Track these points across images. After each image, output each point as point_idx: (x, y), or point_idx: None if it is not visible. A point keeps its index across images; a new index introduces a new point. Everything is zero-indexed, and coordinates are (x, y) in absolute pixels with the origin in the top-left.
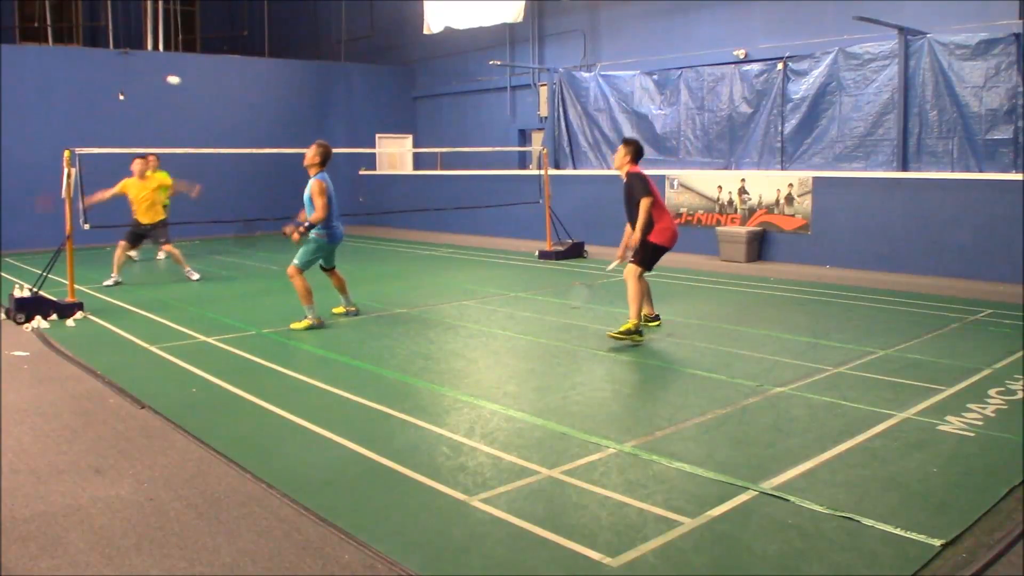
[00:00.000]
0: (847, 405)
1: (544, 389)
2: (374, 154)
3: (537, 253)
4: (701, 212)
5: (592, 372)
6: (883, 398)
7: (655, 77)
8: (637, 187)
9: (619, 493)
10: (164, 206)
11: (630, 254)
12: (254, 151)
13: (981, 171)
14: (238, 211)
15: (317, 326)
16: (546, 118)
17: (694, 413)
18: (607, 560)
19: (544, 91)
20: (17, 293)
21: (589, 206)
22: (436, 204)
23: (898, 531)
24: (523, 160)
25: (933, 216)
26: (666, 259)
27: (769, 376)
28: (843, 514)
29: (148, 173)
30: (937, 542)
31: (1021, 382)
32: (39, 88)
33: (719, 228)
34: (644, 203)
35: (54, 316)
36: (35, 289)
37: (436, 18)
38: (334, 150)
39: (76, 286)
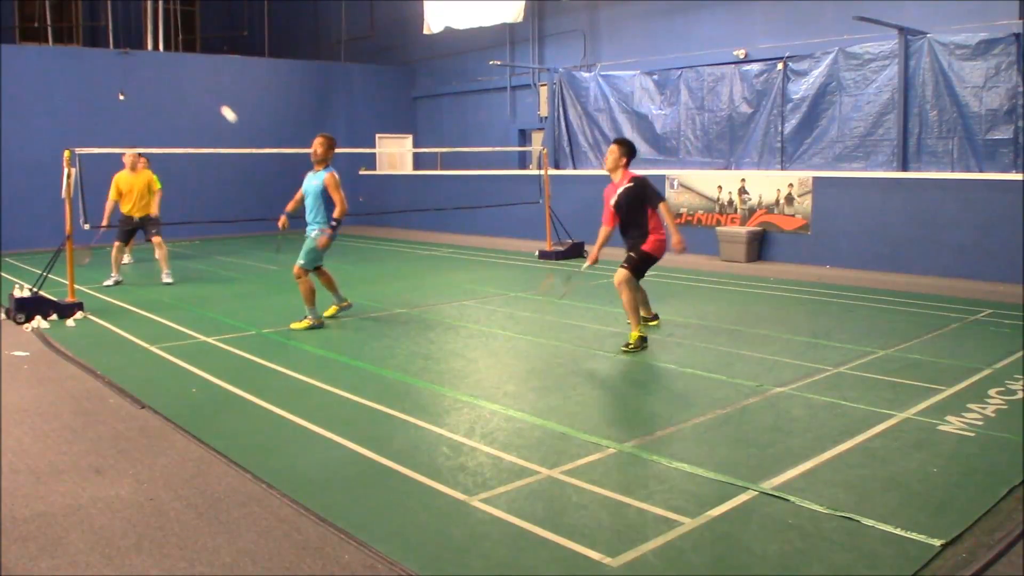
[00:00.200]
0: (847, 405)
1: (544, 389)
2: (374, 154)
3: (537, 253)
4: (701, 212)
5: (592, 372)
6: (883, 398)
7: (655, 77)
8: (651, 193)
9: (619, 493)
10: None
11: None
12: (254, 151)
13: (981, 171)
14: (238, 211)
15: (317, 326)
16: (546, 118)
17: (694, 413)
18: (607, 560)
19: (544, 91)
20: (17, 293)
21: (589, 206)
22: (436, 204)
23: (898, 531)
24: (523, 160)
25: (933, 216)
26: (666, 259)
27: (769, 376)
28: (843, 514)
29: (139, 167)
30: (937, 542)
31: (1021, 382)
32: (39, 88)
33: (719, 228)
34: (663, 207)
35: (54, 316)
36: (35, 289)
37: (436, 18)
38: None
39: (76, 286)
